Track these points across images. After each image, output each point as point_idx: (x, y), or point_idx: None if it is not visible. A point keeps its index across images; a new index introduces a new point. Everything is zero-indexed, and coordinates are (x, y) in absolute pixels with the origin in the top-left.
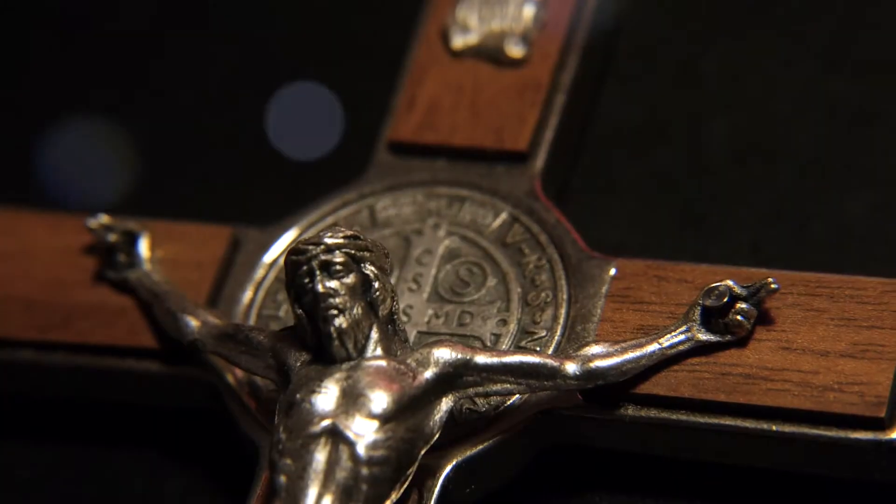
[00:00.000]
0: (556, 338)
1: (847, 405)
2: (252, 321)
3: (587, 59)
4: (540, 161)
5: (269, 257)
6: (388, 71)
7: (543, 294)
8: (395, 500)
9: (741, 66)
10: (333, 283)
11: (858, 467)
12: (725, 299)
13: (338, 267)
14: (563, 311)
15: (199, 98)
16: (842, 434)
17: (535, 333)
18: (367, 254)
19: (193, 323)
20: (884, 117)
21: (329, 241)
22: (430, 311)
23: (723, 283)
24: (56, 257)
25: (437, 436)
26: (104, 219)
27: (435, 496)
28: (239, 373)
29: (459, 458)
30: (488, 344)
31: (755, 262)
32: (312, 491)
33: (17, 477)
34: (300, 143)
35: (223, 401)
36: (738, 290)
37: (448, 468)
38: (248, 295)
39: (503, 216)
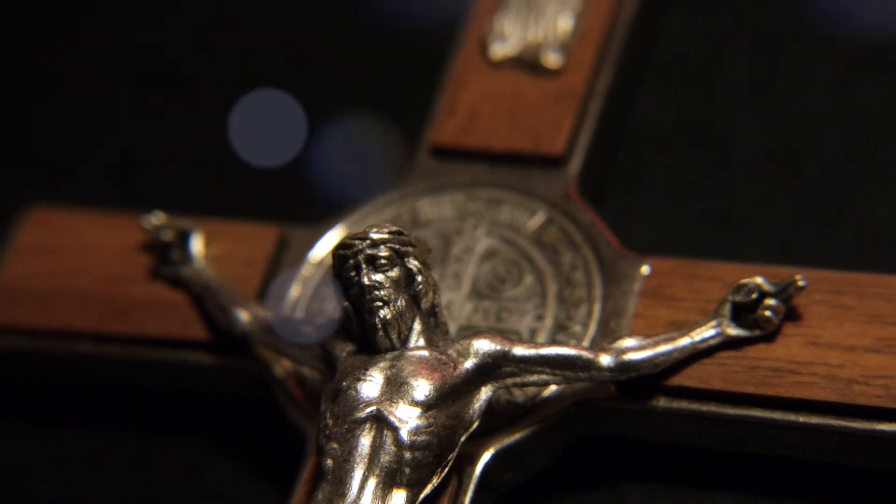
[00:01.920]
0: (591, 333)
1: (872, 397)
2: (299, 316)
3: (621, 66)
4: (575, 165)
5: (315, 255)
6: (430, 79)
7: (578, 291)
8: (435, 484)
9: (768, 70)
10: (378, 277)
11: (883, 458)
12: (755, 295)
13: (383, 261)
14: (597, 308)
15: (241, 98)
16: (867, 426)
17: (570, 328)
18: (410, 248)
19: (243, 316)
20: None
21: (375, 236)
22: (470, 307)
23: (752, 279)
24: (112, 254)
25: (476, 423)
26: (158, 217)
27: (474, 482)
28: (286, 364)
29: (498, 446)
30: (525, 338)
31: (783, 261)
32: (358, 473)
33: (71, 462)
34: (264, 151)
35: (271, 390)
36: (767, 286)
37: (487, 455)
38: (295, 290)
39: (540, 217)
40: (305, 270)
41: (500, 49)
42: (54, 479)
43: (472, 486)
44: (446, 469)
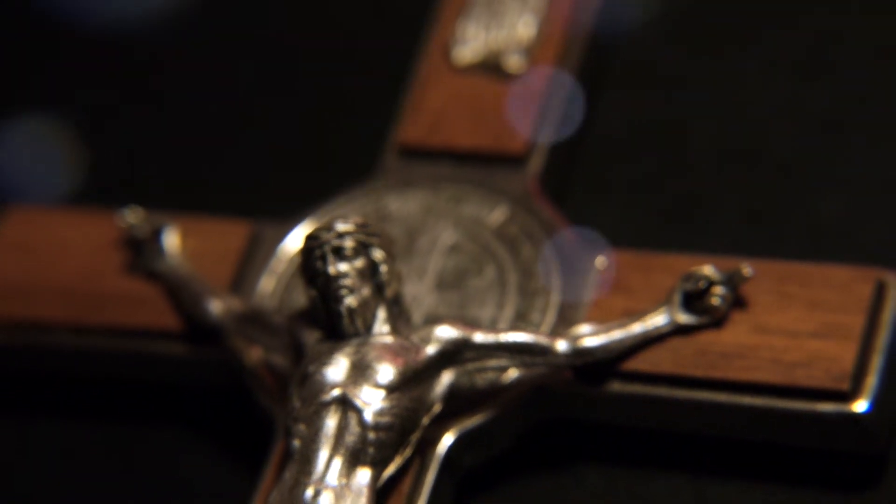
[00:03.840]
0: (549, 321)
1: (814, 379)
2: (270, 306)
3: (581, 69)
4: (536, 163)
5: (284, 249)
6: (396, 81)
7: (537, 282)
8: (399, 464)
9: (723, 74)
10: (344, 266)
11: (825, 437)
12: (703, 284)
13: (348, 252)
14: (555, 298)
15: (211, 99)
16: (809, 406)
17: (529, 317)
18: (374, 240)
19: (216, 307)
20: (853, 124)
21: (340, 227)
22: (434, 298)
23: (701, 268)
24: (89, 250)
25: (438, 406)
26: (133, 213)
27: (437, 462)
28: (257, 353)
29: (460, 429)
30: (486, 326)
31: (736, 255)
32: (324, 453)
33: (46, 453)
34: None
35: (242, 379)
36: (715, 275)
37: (449, 437)
38: (265, 283)
39: (502, 213)
40: (276, 264)
41: (464, 53)
42: (28, 469)
43: (434, 467)
44: (409, 449)
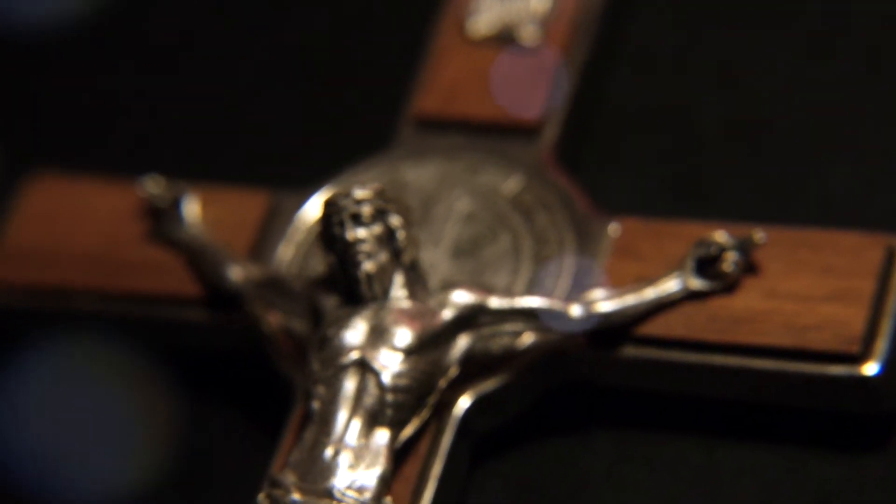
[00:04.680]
0: (563, 287)
1: (825, 342)
2: (289, 273)
3: (595, 43)
4: (550, 134)
5: (302, 218)
6: (412, 53)
7: (551, 249)
8: (416, 426)
9: (733, 50)
10: (362, 232)
11: (835, 399)
12: (716, 250)
13: (366, 218)
14: (568, 264)
15: (231, 71)
16: (820, 369)
17: (543, 283)
18: (392, 206)
19: (236, 273)
20: (862, 94)
21: (358, 194)
22: (449, 265)
23: (713, 234)
24: (111, 217)
25: (454, 370)
26: (153, 183)
27: (454, 426)
28: (276, 318)
29: (476, 393)
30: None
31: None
32: (343, 414)
33: (70, 419)
34: None
35: (261, 344)
36: (727, 241)
37: (466, 401)
38: (284, 251)
39: (516, 181)
40: (293, 232)
41: (479, 24)
42: (47, 434)
43: (451, 430)
44: (426, 411)
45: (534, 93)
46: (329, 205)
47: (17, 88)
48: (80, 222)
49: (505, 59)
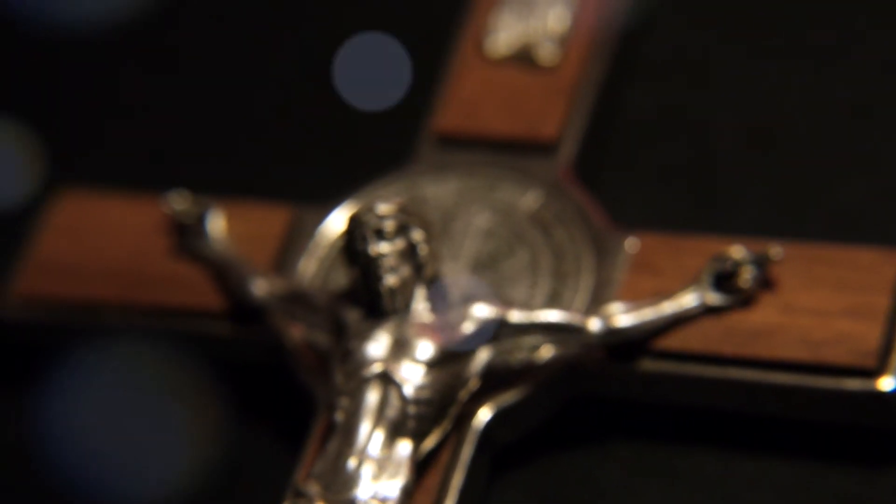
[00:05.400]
0: (581, 301)
1: (841, 357)
2: (312, 286)
3: (613, 59)
4: (568, 150)
5: (324, 233)
6: (432, 70)
7: (569, 264)
8: (438, 438)
9: (749, 62)
10: (385, 247)
11: (850, 414)
12: (732, 265)
13: (388, 233)
14: (586, 279)
15: (254, 87)
16: (836, 383)
17: (561, 298)
18: (414, 221)
19: (260, 287)
20: (879, 108)
21: (381, 209)
22: (468, 280)
23: (730, 249)
24: (136, 232)
25: (475, 382)
26: (178, 198)
27: (474, 438)
28: (299, 332)
29: (494, 405)
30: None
31: (762, 237)
32: (366, 426)
33: (94, 429)
34: (367, 94)
35: (283, 357)
36: (744, 256)
37: (484, 413)
38: (306, 265)
39: (535, 197)
40: (315, 247)
41: (498, 43)
42: (75, 445)
43: (471, 442)
44: (447, 423)
45: (552, 110)
46: (353, 220)
47: (44, 104)
48: (107, 237)
49: (523, 77)
